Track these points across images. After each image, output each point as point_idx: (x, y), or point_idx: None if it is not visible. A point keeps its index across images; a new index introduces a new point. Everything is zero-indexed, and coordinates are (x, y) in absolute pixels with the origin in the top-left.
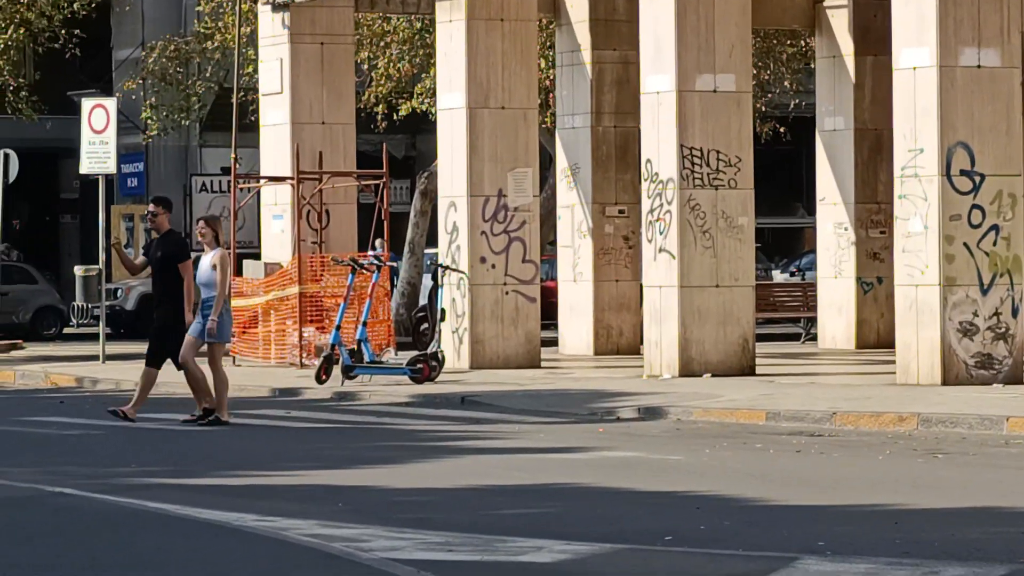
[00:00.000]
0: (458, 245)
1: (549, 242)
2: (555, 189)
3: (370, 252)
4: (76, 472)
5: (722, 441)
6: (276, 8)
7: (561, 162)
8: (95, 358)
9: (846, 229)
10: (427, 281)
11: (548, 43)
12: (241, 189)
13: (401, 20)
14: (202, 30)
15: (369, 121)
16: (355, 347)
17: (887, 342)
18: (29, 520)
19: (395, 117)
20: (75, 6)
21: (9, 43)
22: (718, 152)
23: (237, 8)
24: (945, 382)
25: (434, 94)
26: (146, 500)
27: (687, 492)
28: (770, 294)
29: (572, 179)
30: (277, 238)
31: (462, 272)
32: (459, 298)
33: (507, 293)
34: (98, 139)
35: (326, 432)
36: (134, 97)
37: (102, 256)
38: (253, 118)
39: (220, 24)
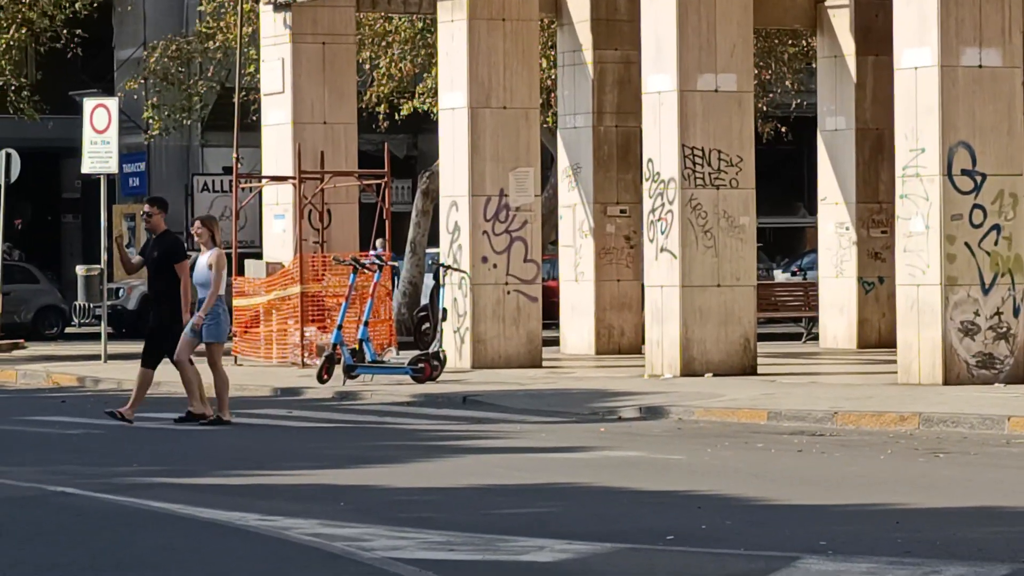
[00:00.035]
0: (460, 245)
1: (551, 242)
2: (556, 189)
3: (371, 252)
4: (78, 471)
5: (723, 441)
6: (278, 8)
7: (563, 162)
8: (97, 358)
9: (847, 229)
10: (429, 281)
11: (550, 43)
12: (243, 189)
13: (403, 20)
14: (204, 30)
15: (371, 121)
16: (357, 347)
17: (888, 342)
18: (31, 519)
19: (397, 117)
20: (77, 6)
21: (11, 43)
22: (719, 152)
23: (239, 8)
24: (946, 382)
25: (436, 94)
26: (148, 499)
27: (689, 492)
28: (771, 294)
29: (573, 179)
30: (279, 238)
31: (464, 272)
32: (461, 298)
33: (509, 293)
34: (100, 139)
35: (328, 432)
36: (136, 97)
37: (104, 256)
38: (255, 118)
39: (222, 24)
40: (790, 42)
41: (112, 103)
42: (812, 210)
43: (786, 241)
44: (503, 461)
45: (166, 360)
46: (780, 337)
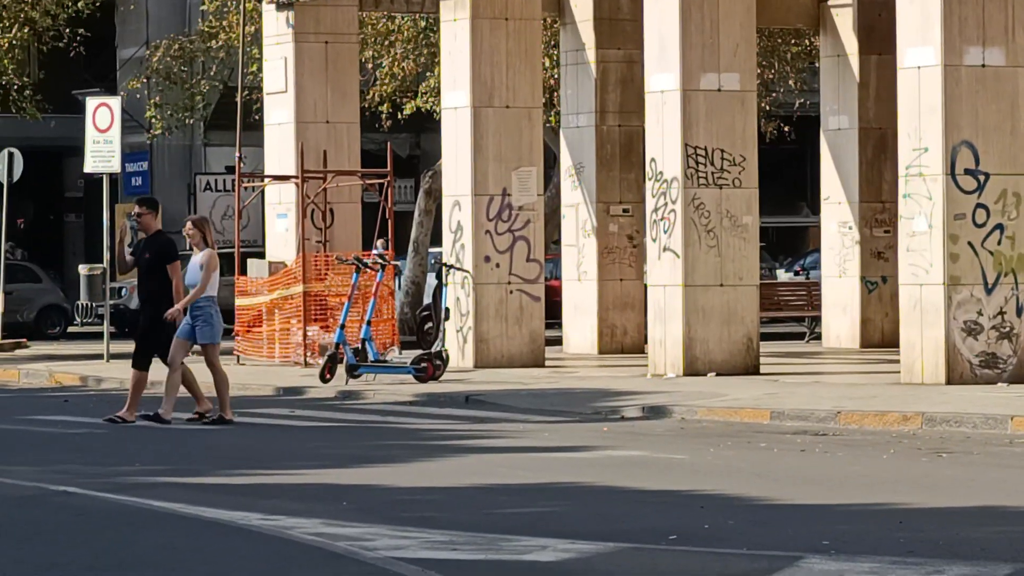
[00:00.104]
0: (462, 244)
1: (553, 241)
2: (559, 188)
3: (373, 251)
4: (80, 471)
5: (726, 440)
6: (280, 7)
7: (565, 161)
8: (99, 357)
9: (850, 228)
10: (431, 280)
11: (552, 42)
12: (245, 188)
13: (405, 19)
14: (206, 29)
15: (373, 120)
16: (359, 346)
17: (891, 341)
18: (32, 518)
19: (399, 116)
20: (79, 5)
21: (14, 42)
22: (722, 151)
23: (241, 7)
24: (949, 381)
25: (438, 93)
26: (150, 499)
27: (691, 491)
28: (774, 293)
29: (576, 178)
30: (281, 237)
31: (466, 271)
32: (463, 297)
33: (511, 292)
34: (102, 138)
35: (330, 431)
36: (138, 96)
37: (106, 255)
38: (257, 117)
39: (224, 23)
40: (793, 41)
41: (115, 102)
42: (815, 209)
43: (789, 240)
44: (506, 460)
45: (159, 361)
46: (783, 337)
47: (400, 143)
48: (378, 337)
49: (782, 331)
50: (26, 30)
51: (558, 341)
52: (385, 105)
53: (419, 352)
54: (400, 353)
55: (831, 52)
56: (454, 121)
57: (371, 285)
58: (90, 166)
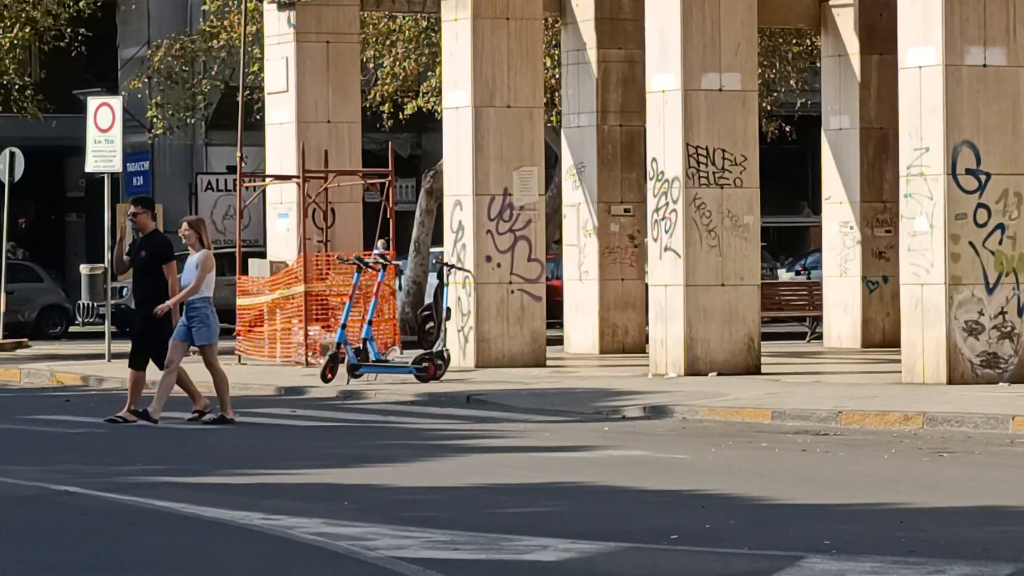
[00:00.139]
0: (464, 244)
1: (555, 241)
2: (560, 188)
3: (374, 251)
4: (81, 470)
5: (727, 440)
6: (282, 7)
7: (566, 161)
8: (100, 356)
9: (851, 228)
10: (433, 280)
11: (554, 42)
12: (247, 188)
13: (407, 19)
14: (208, 29)
15: (375, 120)
16: (360, 346)
17: (892, 341)
18: (33, 518)
19: (401, 116)
20: (81, 5)
21: (15, 42)
22: (723, 151)
23: (243, 7)
24: (950, 381)
25: (440, 93)
26: (151, 498)
27: (692, 491)
28: (775, 293)
29: (577, 178)
30: (283, 237)
31: (467, 271)
32: (464, 297)
33: (512, 292)
34: (104, 138)
35: (331, 431)
36: (140, 96)
37: (107, 255)
38: (259, 117)
39: (226, 23)
40: (794, 41)
41: (116, 102)
42: (816, 209)
43: (790, 240)
44: (507, 460)
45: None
46: (784, 336)
47: (401, 143)
48: (379, 337)
49: (783, 331)
50: (27, 30)
51: (559, 341)
52: (386, 105)
53: (420, 352)
54: (401, 353)
55: (832, 52)
56: (455, 121)
57: (372, 285)
58: (91, 166)
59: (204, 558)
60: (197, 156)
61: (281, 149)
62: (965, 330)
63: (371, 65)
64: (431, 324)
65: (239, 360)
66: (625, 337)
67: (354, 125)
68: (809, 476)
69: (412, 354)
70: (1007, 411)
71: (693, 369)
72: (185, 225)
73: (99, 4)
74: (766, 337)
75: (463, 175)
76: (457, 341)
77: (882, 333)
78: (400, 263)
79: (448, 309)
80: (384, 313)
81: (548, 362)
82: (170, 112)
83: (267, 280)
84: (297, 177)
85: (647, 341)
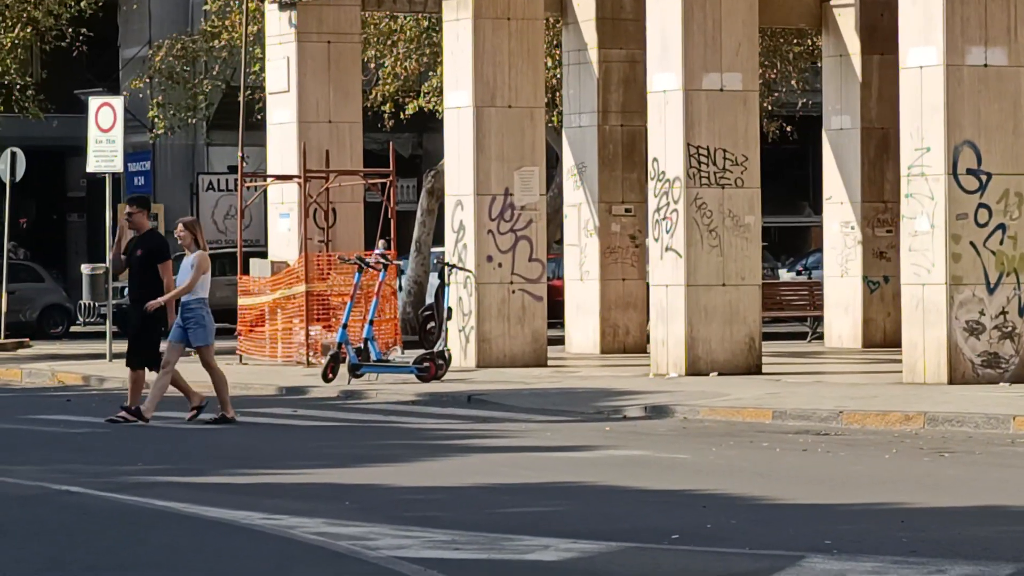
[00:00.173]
0: (465, 244)
1: (556, 241)
2: (562, 188)
3: (376, 251)
4: (82, 470)
5: (728, 440)
6: (283, 7)
7: (568, 161)
8: (102, 356)
9: (852, 228)
10: (434, 280)
11: (555, 42)
12: (248, 188)
13: (408, 19)
14: (209, 29)
15: (376, 120)
16: (362, 345)
17: (893, 341)
18: (34, 518)
19: (402, 116)
20: (82, 4)
21: (16, 42)
22: (725, 151)
23: (244, 7)
24: (951, 381)
25: (441, 93)
26: (152, 498)
27: (694, 491)
28: (776, 293)
29: (578, 178)
30: (284, 236)
31: (469, 271)
32: (466, 297)
33: (514, 292)
34: (105, 137)
35: (332, 430)
36: (141, 96)
37: (109, 255)
38: (260, 117)
39: (227, 23)
40: (795, 41)
41: (117, 102)
42: (817, 209)
43: (791, 240)
44: (508, 460)
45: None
46: (785, 336)
47: (402, 143)
48: (380, 337)
49: (784, 331)
50: (29, 30)
51: (560, 341)
52: (387, 105)
53: (421, 352)
54: (402, 353)
55: (833, 52)
56: (456, 121)
57: (373, 285)
58: (93, 166)
59: (205, 558)
60: (198, 156)
61: (282, 149)
62: (966, 330)
63: (372, 65)
64: (432, 324)
65: (240, 360)
66: (626, 337)
67: (355, 125)
68: (810, 476)
69: (413, 354)
70: (1008, 411)
71: (694, 369)
72: (181, 226)
73: (100, 4)
74: (767, 337)
75: (464, 175)
76: (458, 341)
77: (883, 333)
78: (401, 263)
79: (449, 309)
80: (385, 313)
81: (549, 362)
82: (171, 112)
83: (268, 280)
84: (298, 177)
85: (648, 341)
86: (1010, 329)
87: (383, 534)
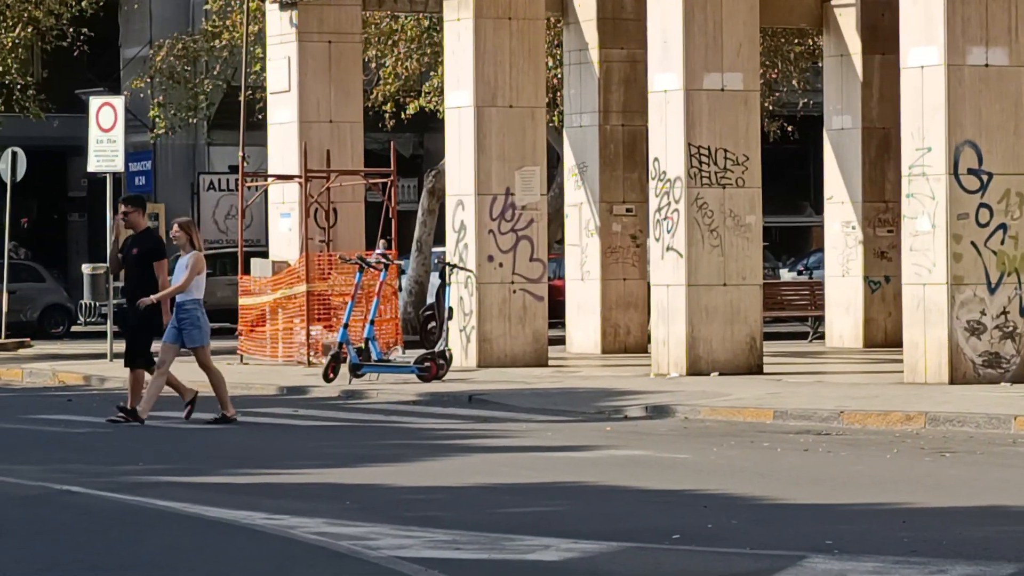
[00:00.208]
0: (466, 243)
1: (557, 241)
2: (563, 188)
3: (377, 251)
4: (83, 470)
5: (729, 440)
6: (284, 6)
7: (569, 161)
8: (103, 356)
9: (853, 228)
10: (435, 279)
11: (556, 41)
12: (249, 187)
13: (409, 18)
14: (210, 28)
15: (377, 119)
16: (362, 345)
17: (894, 341)
18: (35, 517)
19: (403, 115)
20: (83, 4)
21: (17, 41)
22: (726, 151)
23: (245, 6)
24: (952, 381)
25: (442, 92)
26: (153, 498)
27: (694, 490)
28: (777, 293)
29: (579, 178)
30: (285, 236)
31: (469, 270)
32: (467, 296)
33: (515, 292)
34: (106, 137)
35: (333, 430)
36: (142, 95)
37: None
38: (261, 116)
39: (228, 22)
40: (796, 41)
41: (118, 102)
42: (818, 209)
43: (792, 240)
44: (509, 460)
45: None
46: (786, 336)
47: (403, 143)
48: (381, 336)
49: (785, 331)
50: (30, 29)
51: (561, 341)
52: (388, 105)
53: (422, 352)
54: (403, 352)
55: (834, 52)
56: (457, 121)
57: (374, 284)
58: (93, 165)
59: (206, 558)
60: (199, 156)
61: (283, 149)
62: (967, 330)
63: (373, 65)
64: (433, 324)
65: (241, 360)
66: (627, 337)
67: (356, 125)
68: (811, 476)
69: (414, 354)
70: (1009, 411)
71: (695, 369)
72: (176, 227)
73: (101, 4)
74: (768, 337)
75: (465, 175)
76: (459, 341)
77: (884, 333)
78: (402, 263)
79: (450, 309)
80: (386, 313)
81: (550, 362)
82: (172, 112)
83: (269, 280)
84: (299, 177)
85: (649, 341)
86: (1011, 329)
87: (384, 534)
